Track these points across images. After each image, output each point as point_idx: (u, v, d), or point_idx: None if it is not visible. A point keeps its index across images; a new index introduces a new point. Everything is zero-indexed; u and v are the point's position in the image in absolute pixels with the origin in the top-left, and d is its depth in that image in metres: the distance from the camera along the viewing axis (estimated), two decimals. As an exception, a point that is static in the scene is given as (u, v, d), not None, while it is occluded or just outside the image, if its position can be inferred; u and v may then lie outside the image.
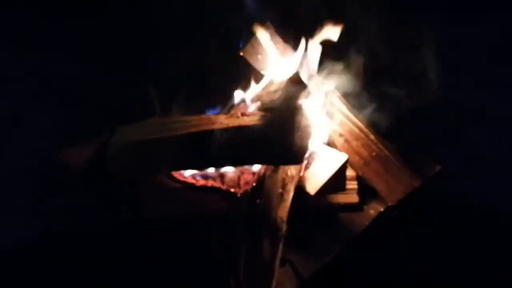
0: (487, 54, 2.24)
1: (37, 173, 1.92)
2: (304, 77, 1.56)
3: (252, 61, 1.79)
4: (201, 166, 1.54)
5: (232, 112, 1.50)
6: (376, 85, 1.85)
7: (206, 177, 1.63)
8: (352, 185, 1.66)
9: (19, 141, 2.10)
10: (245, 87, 1.78)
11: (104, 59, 2.21)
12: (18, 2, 2.16)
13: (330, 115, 1.70)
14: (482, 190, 1.89)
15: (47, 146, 1.82)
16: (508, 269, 1.62)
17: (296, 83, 1.51)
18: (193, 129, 1.38)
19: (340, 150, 1.65)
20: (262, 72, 1.79)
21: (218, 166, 1.57)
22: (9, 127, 2.14)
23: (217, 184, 1.61)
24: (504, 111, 2.15)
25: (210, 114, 1.72)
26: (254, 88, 1.76)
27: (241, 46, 1.77)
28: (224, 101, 1.79)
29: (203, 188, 1.61)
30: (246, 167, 1.63)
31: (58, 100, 2.20)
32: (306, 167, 1.59)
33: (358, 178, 1.68)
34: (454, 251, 1.68)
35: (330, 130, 1.72)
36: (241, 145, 1.37)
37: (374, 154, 1.65)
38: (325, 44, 1.73)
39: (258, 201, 1.41)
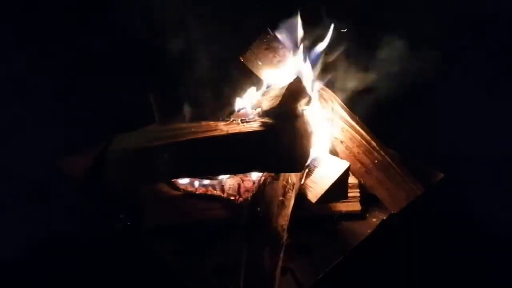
0: (486, 60, 2.24)
1: (36, 180, 1.92)
2: (305, 83, 1.55)
3: (252, 67, 1.78)
4: (200, 174, 1.53)
5: (232, 118, 1.49)
6: (376, 90, 1.85)
7: (206, 185, 1.61)
8: (354, 193, 1.64)
9: (18, 148, 2.10)
10: (245, 93, 1.78)
11: (103, 66, 2.22)
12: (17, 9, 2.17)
13: (331, 121, 1.69)
14: (482, 195, 1.88)
15: (47, 154, 1.81)
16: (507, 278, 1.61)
17: (297, 89, 1.50)
18: (193, 136, 1.36)
19: (341, 158, 1.64)
20: (262, 78, 1.78)
21: (218, 173, 1.56)
22: (9, 134, 2.13)
23: (217, 192, 1.60)
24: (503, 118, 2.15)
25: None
26: (254, 94, 1.76)
27: (241, 51, 1.77)
28: (224, 108, 1.78)
29: (203, 196, 1.60)
30: (247, 174, 1.62)
31: (57, 108, 2.20)
32: (307, 175, 1.57)
33: (360, 186, 1.66)
34: (456, 258, 1.67)
35: (332, 137, 1.71)
36: (241, 152, 1.35)
37: (376, 161, 1.63)
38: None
39: (258, 209, 1.39)
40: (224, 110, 1.75)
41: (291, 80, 1.53)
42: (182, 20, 2.00)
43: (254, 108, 1.70)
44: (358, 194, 1.65)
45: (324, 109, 1.69)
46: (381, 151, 1.64)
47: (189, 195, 1.61)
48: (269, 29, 1.74)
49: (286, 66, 1.75)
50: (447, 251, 1.69)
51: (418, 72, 2.11)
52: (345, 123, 1.68)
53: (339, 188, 1.53)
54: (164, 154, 1.36)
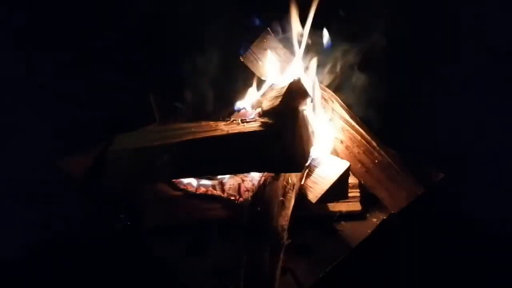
0: (486, 59, 2.23)
1: (36, 180, 1.91)
2: (305, 83, 1.55)
3: (252, 67, 1.78)
4: (200, 174, 1.53)
5: (232, 118, 1.49)
6: (376, 89, 1.84)
7: (206, 185, 1.61)
8: (354, 193, 1.64)
9: (18, 148, 2.09)
10: (245, 93, 1.78)
11: (103, 66, 2.21)
12: (17, 9, 2.17)
13: (331, 121, 1.69)
14: (482, 195, 1.88)
15: (47, 154, 1.81)
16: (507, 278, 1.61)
17: (297, 89, 1.50)
18: (193, 136, 1.36)
19: (341, 158, 1.63)
20: (263, 78, 1.78)
21: (218, 173, 1.56)
22: (9, 134, 2.13)
23: (217, 192, 1.60)
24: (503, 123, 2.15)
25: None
26: (255, 94, 1.75)
27: (241, 52, 1.77)
28: (224, 107, 1.78)
29: (203, 196, 1.60)
30: (247, 174, 1.62)
31: (57, 108, 2.20)
32: (308, 175, 1.57)
33: (360, 186, 1.66)
34: (456, 258, 1.67)
35: (332, 137, 1.70)
36: (241, 152, 1.35)
37: (376, 161, 1.63)
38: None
39: (258, 209, 1.39)
40: (224, 110, 1.75)
41: (291, 80, 1.52)
42: (182, 20, 2.00)
43: (254, 108, 1.70)
44: (358, 194, 1.65)
45: (324, 109, 1.69)
46: (382, 151, 1.64)
47: (189, 195, 1.61)
48: (269, 29, 1.74)
49: (286, 66, 1.74)
50: (447, 251, 1.69)
51: (418, 72, 2.11)
52: (345, 123, 1.68)
53: (339, 188, 1.53)
54: (164, 154, 1.36)
